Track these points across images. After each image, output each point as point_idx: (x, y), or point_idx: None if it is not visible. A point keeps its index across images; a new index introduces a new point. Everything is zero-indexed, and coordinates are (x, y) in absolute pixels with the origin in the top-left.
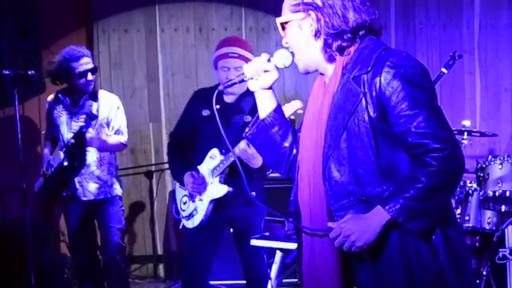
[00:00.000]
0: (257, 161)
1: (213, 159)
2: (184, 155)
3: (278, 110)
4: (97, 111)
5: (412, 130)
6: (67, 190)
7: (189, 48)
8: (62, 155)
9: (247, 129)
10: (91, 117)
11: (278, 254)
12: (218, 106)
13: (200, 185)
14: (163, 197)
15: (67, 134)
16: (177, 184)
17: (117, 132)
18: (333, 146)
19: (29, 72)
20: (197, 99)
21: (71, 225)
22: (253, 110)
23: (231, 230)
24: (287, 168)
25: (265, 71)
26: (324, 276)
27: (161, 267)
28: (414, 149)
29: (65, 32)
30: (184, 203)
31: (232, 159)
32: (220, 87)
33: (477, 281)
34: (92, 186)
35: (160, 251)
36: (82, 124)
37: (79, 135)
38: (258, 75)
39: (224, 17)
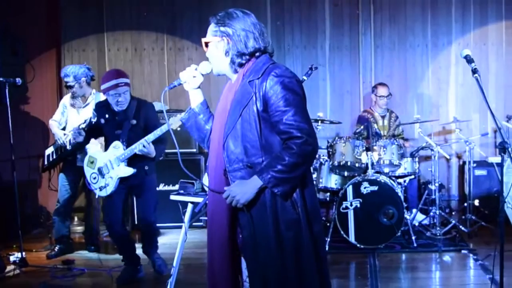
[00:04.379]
0: (151, 154)
1: (117, 149)
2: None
3: (204, 103)
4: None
5: (283, 121)
6: (71, 157)
7: (128, 62)
8: (74, 134)
9: (183, 114)
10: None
11: (189, 206)
12: (108, 116)
13: (77, 136)
14: None
15: (74, 121)
16: (85, 164)
17: None
18: (231, 127)
19: (16, 79)
20: (98, 109)
21: (64, 179)
22: (136, 115)
23: (134, 197)
24: (208, 143)
25: (194, 76)
26: (219, 220)
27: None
28: (282, 135)
29: (42, 51)
30: (94, 178)
31: (136, 150)
32: (166, 89)
33: (328, 224)
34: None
35: None
36: (89, 116)
37: (89, 123)
38: (190, 79)
39: (151, 40)
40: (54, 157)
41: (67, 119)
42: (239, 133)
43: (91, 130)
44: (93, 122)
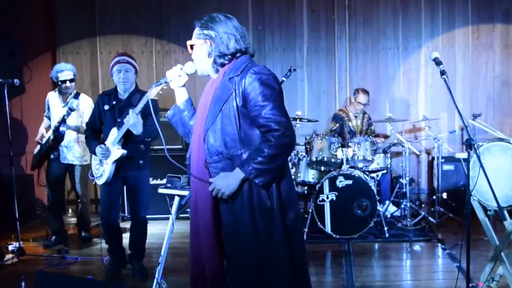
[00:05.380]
0: (138, 129)
1: (113, 135)
2: (96, 136)
3: (188, 100)
4: (77, 106)
5: (261, 115)
6: (53, 154)
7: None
8: (51, 132)
9: (168, 111)
10: (71, 109)
11: (176, 198)
12: (114, 102)
13: (105, 153)
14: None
15: (57, 119)
16: (92, 157)
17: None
18: (212, 122)
19: (14, 80)
20: (100, 98)
21: (52, 176)
22: (138, 103)
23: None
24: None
25: (179, 75)
26: (203, 206)
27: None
28: (261, 128)
29: (38, 54)
30: (97, 169)
31: (126, 126)
32: (153, 86)
33: (306, 215)
34: (70, 154)
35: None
36: (65, 113)
37: (62, 119)
38: (175, 78)
39: (141, 44)
40: (38, 155)
41: (53, 116)
42: (219, 127)
43: (97, 120)
44: (96, 111)
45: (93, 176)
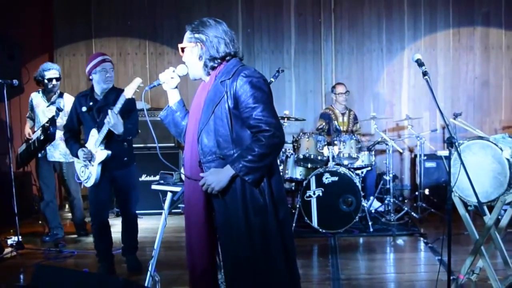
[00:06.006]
0: (119, 129)
1: (93, 136)
2: (76, 138)
3: (180, 102)
4: (63, 106)
5: (253, 116)
6: (41, 153)
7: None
8: (39, 132)
9: (161, 112)
10: (59, 109)
11: (169, 194)
12: (91, 103)
13: (88, 156)
14: None
15: (43, 118)
16: (75, 160)
17: None
18: (205, 123)
19: (13, 81)
20: (77, 100)
21: (42, 176)
22: (115, 102)
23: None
24: (184, 138)
25: (172, 77)
26: (195, 205)
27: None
28: (253, 129)
29: (36, 56)
30: (82, 172)
31: (107, 126)
32: (146, 88)
33: (293, 211)
34: (57, 153)
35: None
36: (53, 113)
37: (52, 120)
38: (168, 80)
39: (135, 46)
40: (25, 154)
41: (38, 116)
42: (212, 128)
43: (75, 122)
44: (74, 112)
45: (79, 179)
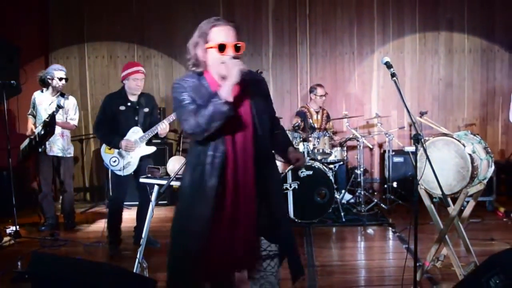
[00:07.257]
0: (165, 132)
1: (135, 133)
2: (114, 132)
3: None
4: (64, 104)
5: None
6: (41, 148)
7: (104, 68)
8: (40, 127)
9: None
10: (60, 107)
11: (156, 187)
12: (129, 104)
13: (132, 147)
14: (89, 152)
15: (44, 115)
16: (102, 151)
17: (72, 119)
18: (261, 123)
19: (12, 82)
20: (113, 100)
21: (42, 170)
22: (148, 104)
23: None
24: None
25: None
26: (247, 200)
27: (88, 194)
28: (278, 125)
29: (33, 58)
30: (114, 161)
31: (155, 131)
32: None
33: None
34: (55, 147)
35: (87, 184)
36: (54, 110)
37: (52, 115)
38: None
39: (124, 49)
40: (27, 149)
41: (40, 113)
42: (267, 131)
43: (110, 120)
44: (107, 111)
45: (110, 167)
